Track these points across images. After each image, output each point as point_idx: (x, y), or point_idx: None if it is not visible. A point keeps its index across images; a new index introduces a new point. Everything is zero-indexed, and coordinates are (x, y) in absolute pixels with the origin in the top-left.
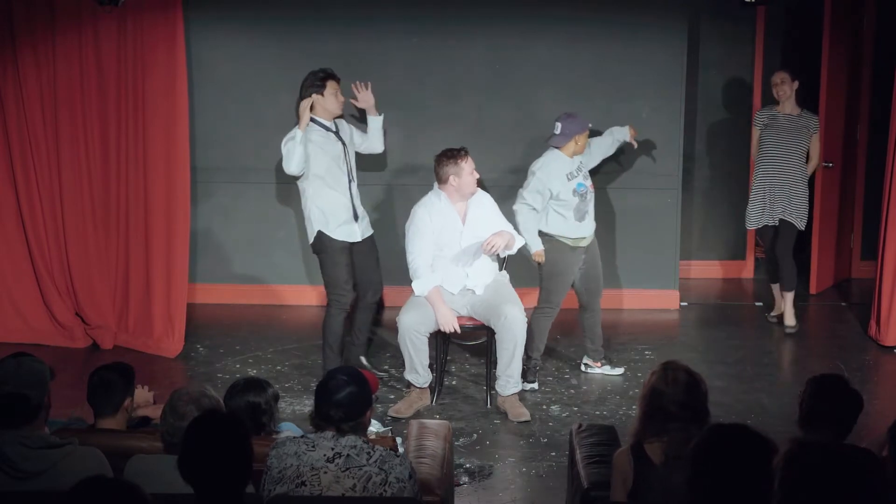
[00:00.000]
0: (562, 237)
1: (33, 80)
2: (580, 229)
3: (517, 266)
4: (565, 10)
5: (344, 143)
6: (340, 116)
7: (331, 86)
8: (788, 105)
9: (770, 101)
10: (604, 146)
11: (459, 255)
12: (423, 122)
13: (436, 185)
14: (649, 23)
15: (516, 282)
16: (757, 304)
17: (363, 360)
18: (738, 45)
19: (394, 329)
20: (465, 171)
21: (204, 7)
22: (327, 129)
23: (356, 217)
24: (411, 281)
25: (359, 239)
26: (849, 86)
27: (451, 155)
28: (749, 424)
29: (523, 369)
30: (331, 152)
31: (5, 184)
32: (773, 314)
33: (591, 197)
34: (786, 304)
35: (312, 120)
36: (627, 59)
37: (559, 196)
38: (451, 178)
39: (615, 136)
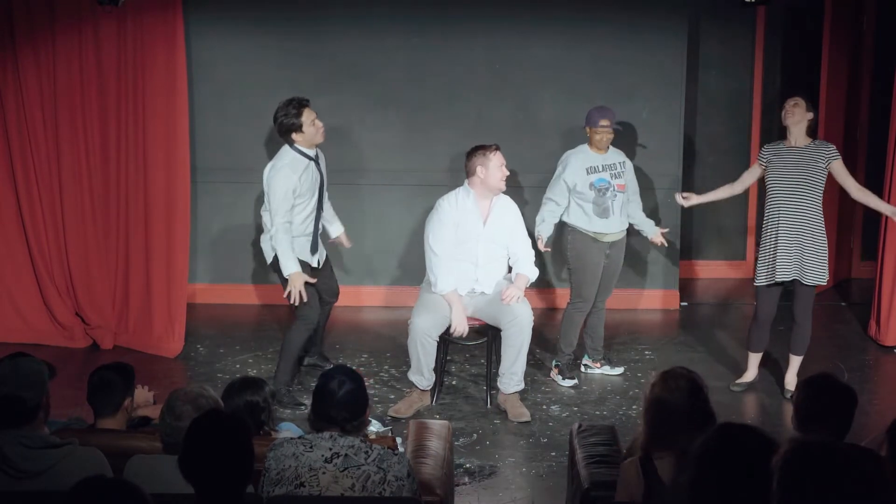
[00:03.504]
0: (582, 229)
1: (33, 80)
2: (602, 225)
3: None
4: (565, 10)
5: (321, 174)
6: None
7: (307, 115)
8: (796, 135)
9: (770, 104)
10: (631, 205)
11: (474, 256)
12: (423, 122)
13: (466, 181)
14: (649, 23)
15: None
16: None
17: (311, 359)
18: (738, 45)
19: (397, 329)
20: (493, 164)
21: (204, 7)
22: (308, 157)
23: (314, 249)
24: (429, 276)
25: (315, 266)
26: (849, 86)
27: (481, 147)
28: (756, 425)
29: (559, 367)
30: (309, 183)
31: (5, 184)
32: (739, 381)
33: (613, 195)
34: (792, 367)
35: (295, 149)
36: (627, 59)
37: (576, 188)
38: (479, 169)
39: (642, 226)
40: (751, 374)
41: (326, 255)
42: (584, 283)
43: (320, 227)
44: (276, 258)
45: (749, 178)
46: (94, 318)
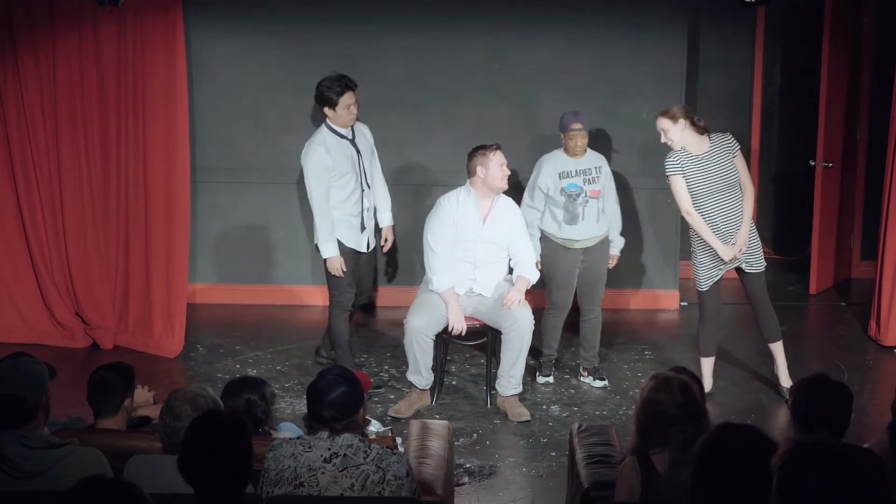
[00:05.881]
0: (552, 236)
1: (33, 80)
2: (572, 232)
3: None
4: (565, 10)
5: (359, 151)
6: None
7: (347, 98)
8: (690, 145)
9: (770, 104)
10: (607, 209)
11: (472, 256)
12: (423, 122)
13: (467, 181)
14: (649, 23)
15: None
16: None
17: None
18: (738, 45)
19: (397, 329)
20: (493, 164)
21: (204, 7)
22: (342, 136)
23: (363, 227)
24: (427, 273)
25: (364, 250)
26: (849, 86)
27: (482, 147)
28: (758, 427)
29: (537, 363)
30: (345, 160)
31: (5, 184)
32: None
33: (585, 201)
34: (778, 357)
35: (328, 126)
36: (627, 59)
37: (549, 193)
38: (479, 169)
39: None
40: (708, 383)
41: (374, 254)
42: (553, 289)
43: (371, 206)
44: None
45: (687, 193)
46: (94, 318)
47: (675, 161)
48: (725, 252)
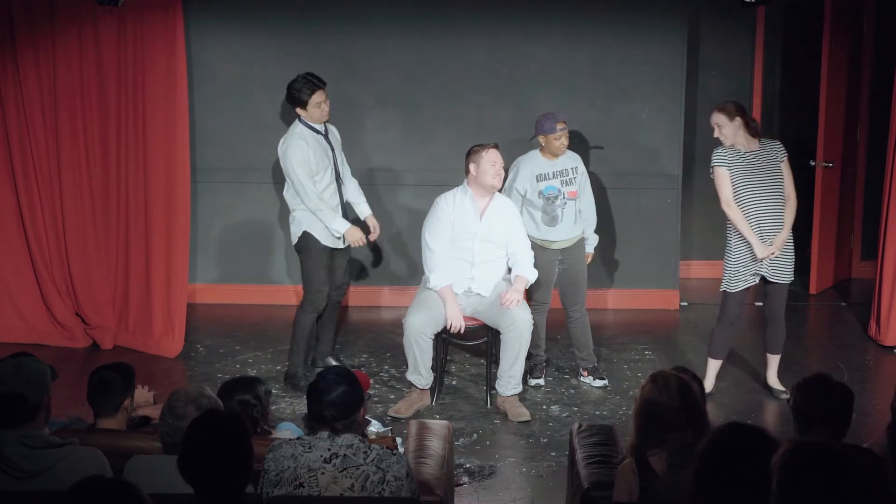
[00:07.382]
0: (530, 237)
1: (33, 80)
2: (550, 233)
3: None
4: (565, 10)
5: (332, 147)
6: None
7: (316, 97)
8: (742, 142)
9: (770, 104)
10: (582, 215)
11: (469, 254)
12: (423, 122)
13: (465, 180)
14: (649, 23)
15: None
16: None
17: (331, 360)
18: (738, 45)
19: (397, 329)
20: (485, 161)
21: (204, 7)
22: (316, 131)
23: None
24: (425, 272)
25: (340, 246)
26: (849, 86)
27: (478, 146)
28: (763, 427)
29: (529, 366)
30: (321, 154)
31: (5, 184)
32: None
33: (563, 203)
34: (771, 366)
35: (302, 122)
36: (627, 59)
37: (526, 196)
38: (472, 167)
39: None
40: (710, 384)
41: (349, 250)
42: (535, 288)
43: (345, 199)
44: (301, 239)
45: (730, 185)
46: (94, 318)
47: (722, 153)
48: (760, 249)
